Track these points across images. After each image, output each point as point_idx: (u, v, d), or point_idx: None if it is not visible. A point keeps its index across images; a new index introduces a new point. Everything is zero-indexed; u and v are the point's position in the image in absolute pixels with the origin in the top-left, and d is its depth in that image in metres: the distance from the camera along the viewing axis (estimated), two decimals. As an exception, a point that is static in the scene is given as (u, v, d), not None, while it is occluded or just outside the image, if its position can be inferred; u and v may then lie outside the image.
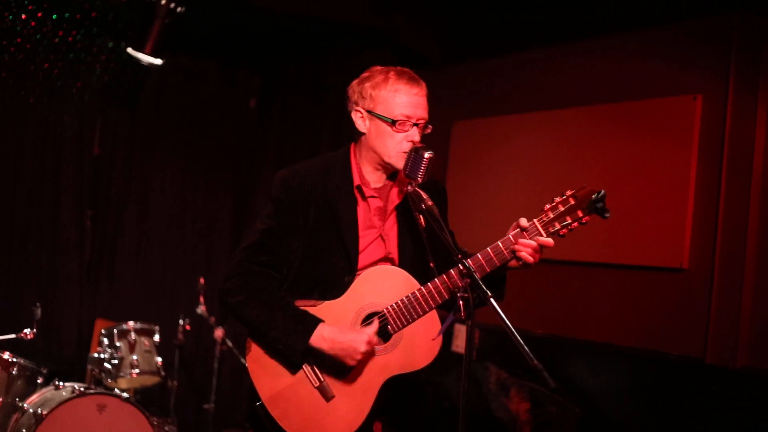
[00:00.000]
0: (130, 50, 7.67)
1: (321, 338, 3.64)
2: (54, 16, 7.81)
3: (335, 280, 3.77)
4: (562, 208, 3.60)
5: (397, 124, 3.70)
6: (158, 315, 8.12)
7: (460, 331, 7.18)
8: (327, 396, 3.72)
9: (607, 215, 3.56)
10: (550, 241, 3.61)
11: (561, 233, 3.62)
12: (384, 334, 3.72)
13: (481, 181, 7.60)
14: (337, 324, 3.70)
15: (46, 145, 8.40)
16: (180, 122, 9.25)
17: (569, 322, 6.95)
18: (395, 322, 3.68)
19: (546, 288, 7.07)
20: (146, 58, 7.65)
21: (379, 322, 3.70)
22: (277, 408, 3.76)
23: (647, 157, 6.49)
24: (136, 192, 9.02)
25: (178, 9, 7.43)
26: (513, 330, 3.17)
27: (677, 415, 6.22)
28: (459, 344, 7.24)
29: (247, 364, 3.85)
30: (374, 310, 3.72)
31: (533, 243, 3.59)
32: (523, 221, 3.63)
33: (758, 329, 5.90)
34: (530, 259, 3.60)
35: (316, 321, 3.68)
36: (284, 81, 9.43)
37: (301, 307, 3.75)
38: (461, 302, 3.34)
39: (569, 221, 3.60)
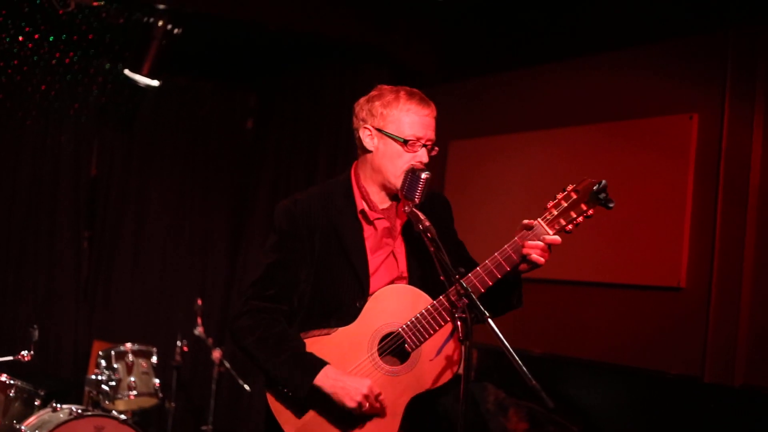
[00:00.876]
0: (127, 72, 7.71)
1: (325, 377, 3.59)
2: (51, 38, 7.81)
3: (348, 306, 3.73)
4: (565, 204, 3.59)
5: (408, 143, 3.67)
6: (155, 336, 8.12)
7: (458, 352, 7.16)
8: (352, 427, 3.68)
9: (611, 205, 3.52)
10: (557, 238, 3.58)
11: (567, 229, 3.59)
12: (402, 354, 3.68)
13: (479, 200, 7.60)
14: (354, 349, 3.67)
15: (43, 166, 8.43)
16: (176, 142, 9.29)
17: (567, 341, 6.94)
18: (412, 340, 3.64)
19: (544, 307, 7.04)
20: (143, 80, 7.70)
21: (395, 343, 3.66)
22: None
23: (644, 175, 6.50)
24: (133, 212, 9.03)
25: (175, 30, 7.45)
26: (510, 350, 3.13)
27: None
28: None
29: (268, 401, 3.79)
30: (389, 330, 3.67)
31: (540, 243, 3.58)
32: (528, 221, 3.62)
33: (756, 347, 5.90)
34: (540, 260, 3.58)
35: (321, 363, 3.64)
36: (281, 98, 9.45)
37: (315, 337, 3.73)
38: (459, 323, 3.28)
39: (574, 216, 3.57)
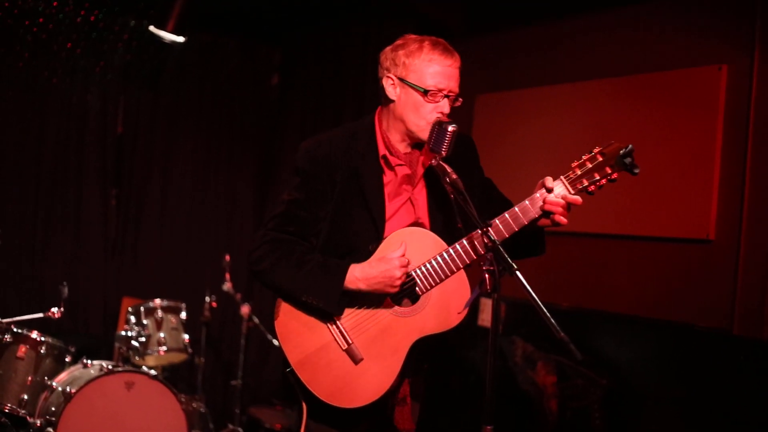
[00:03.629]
0: (152, 28, 7.68)
1: (355, 279, 3.66)
2: (76, -5, 7.83)
3: (362, 248, 3.78)
4: (589, 165, 3.60)
5: (428, 94, 3.69)
6: (184, 292, 8.14)
7: (486, 305, 7.17)
8: (355, 359, 3.73)
9: (637, 171, 3.53)
10: (578, 198, 3.60)
11: (590, 190, 3.61)
12: (412, 296, 3.73)
13: (506, 154, 7.53)
14: None
15: (70, 125, 8.42)
16: (202, 100, 9.27)
17: (594, 294, 6.92)
18: (423, 284, 3.70)
19: (571, 261, 7.04)
20: (168, 36, 7.67)
21: (407, 284, 3.71)
22: (306, 372, 3.78)
23: (672, 128, 6.44)
24: (159, 170, 9.04)
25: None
26: (539, 302, 3.14)
27: (704, 386, 6.18)
28: (485, 318, 7.23)
29: (276, 329, 3.86)
30: None
31: (561, 201, 3.59)
32: (549, 180, 3.64)
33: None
34: (560, 218, 3.61)
35: (345, 266, 3.69)
36: (305, 54, 9.40)
37: None
38: (487, 275, 3.31)
39: (597, 177, 3.59)
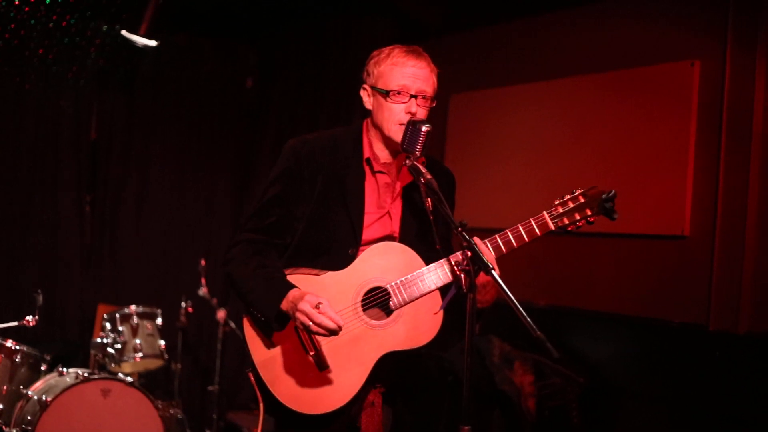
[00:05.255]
0: (124, 33, 7.63)
1: (287, 301, 3.59)
2: (47, 1, 7.78)
3: (339, 251, 3.77)
4: (571, 205, 3.71)
5: (390, 94, 3.70)
6: (161, 298, 8.12)
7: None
8: (321, 366, 3.70)
9: (615, 216, 3.67)
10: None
11: (569, 228, 3.72)
12: (385, 310, 3.72)
13: (481, 154, 7.56)
14: (339, 296, 3.70)
15: (43, 131, 8.36)
16: (178, 103, 9.21)
17: (571, 292, 6.93)
18: (397, 298, 3.68)
19: (547, 259, 7.03)
20: (141, 40, 7.62)
21: (381, 297, 3.70)
22: (268, 372, 3.75)
23: (646, 124, 6.46)
24: (135, 175, 8.98)
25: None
26: (515, 301, 3.15)
27: (681, 382, 6.22)
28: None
29: (243, 326, 3.85)
30: (377, 284, 3.71)
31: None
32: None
33: (761, 294, 5.87)
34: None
35: (289, 287, 3.63)
36: (283, 54, 9.36)
37: (304, 275, 3.76)
38: (463, 275, 3.33)
39: (577, 218, 3.71)
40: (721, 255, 6.04)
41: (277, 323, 3.67)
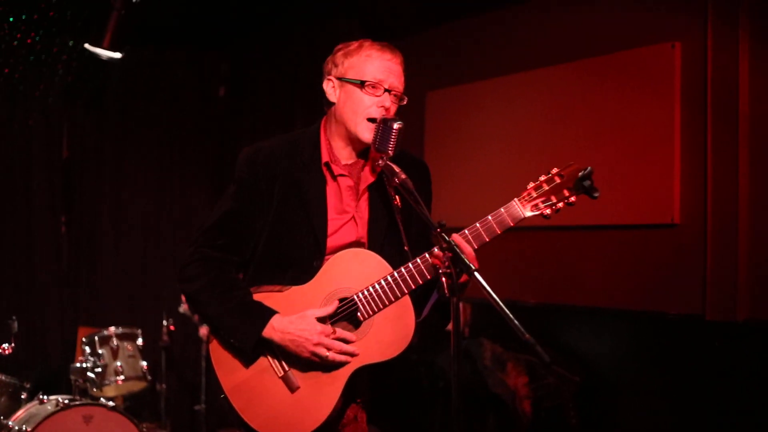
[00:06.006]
0: (87, 46, 7.54)
1: (271, 329, 3.49)
2: (11, 19, 7.68)
3: (303, 263, 3.61)
4: (546, 187, 3.44)
5: (366, 84, 3.54)
6: (143, 317, 8.09)
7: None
8: (292, 387, 3.55)
9: (596, 195, 3.38)
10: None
11: (545, 213, 3.45)
12: (354, 322, 3.56)
13: (461, 150, 7.48)
14: (305, 309, 3.53)
15: (14, 151, 8.33)
16: (150, 116, 9.14)
17: (562, 288, 6.83)
18: (366, 309, 3.51)
19: (535, 255, 6.93)
20: (105, 53, 7.52)
21: (348, 309, 3.54)
22: (240, 399, 3.61)
23: (628, 110, 6.37)
24: (110, 192, 8.92)
25: (134, -1, 7.29)
26: (501, 304, 2.97)
27: (680, 375, 6.13)
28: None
29: (209, 353, 3.70)
30: (344, 295, 3.55)
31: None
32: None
33: (759, 279, 5.77)
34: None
35: (270, 313, 3.52)
36: (254, 61, 9.32)
37: (267, 293, 3.62)
38: (444, 278, 3.14)
39: (554, 200, 3.43)
40: (714, 241, 5.92)
41: (254, 352, 3.55)
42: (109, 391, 6.61)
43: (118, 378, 6.56)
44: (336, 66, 3.67)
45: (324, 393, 3.53)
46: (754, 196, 5.80)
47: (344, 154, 3.70)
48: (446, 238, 3.17)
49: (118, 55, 7.56)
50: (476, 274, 3.06)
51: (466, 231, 3.44)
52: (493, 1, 7.33)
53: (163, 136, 9.19)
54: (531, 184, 3.46)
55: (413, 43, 7.83)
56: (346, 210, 3.66)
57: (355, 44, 3.66)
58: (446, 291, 3.14)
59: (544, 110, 6.91)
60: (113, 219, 8.88)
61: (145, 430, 6.14)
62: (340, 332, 3.52)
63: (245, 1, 8.20)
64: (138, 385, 6.78)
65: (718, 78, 5.93)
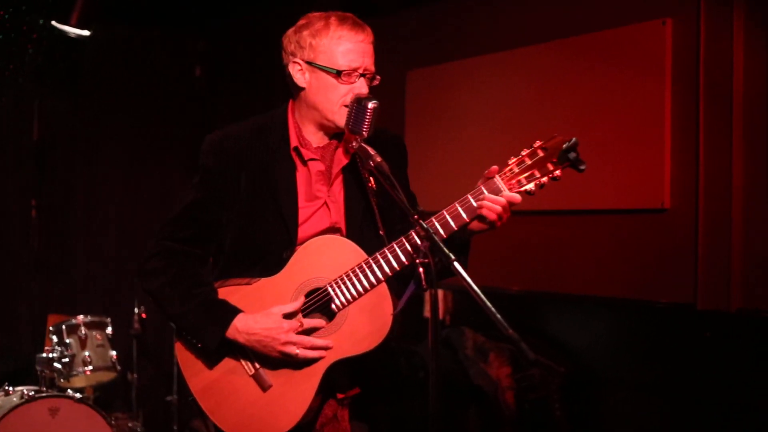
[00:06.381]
0: (54, 23, 7.40)
1: (235, 330, 3.36)
2: (-22, -2, 7.50)
3: (273, 255, 3.46)
4: (529, 161, 3.28)
5: (342, 75, 3.38)
6: (115, 304, 7.98)
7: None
8: (263, 386, 3.42)
9: (583, 167, 3.25)
10: (516, 197, 3.27)
11: (530, 190, 3.30)
12: (328, 313, 3.40)
13: (443, 131, 7.33)
14: (276, 304, 3.39)
15: (-18, 134, 8.13)
16: (124, 97, 8.94)
17: (547, 275, 6.70)
18: (339, 300, 3.36)
19: (519, 241, 6.78)
20: (73, 30, 7.38)
21: (320, 300, 3.39)
22: (209, 401, 3.49)
23: (617, 91, 6.21)
24: (83, 176, 8.75)
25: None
26: (482, 296, 2.84)
27: (670, 366, 6.04)
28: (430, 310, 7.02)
29: (176, 353, 3.58)
30: (316, 286, 3.41)
31: (502, 200, 3.25)
32: (493, 170, 3.30)
33: (752, 268, 5.63)
34: (494, 216, 3.26)
35: (233, 312, 3.38)
36: (232, 41, 9.21)
37: (234, 286, 3.49)
38: (421, 269, 2.99)
39: (538, 175, 3.27)
40: (706, 227, 5.79)
41: (218, 353, 3.42)
42: (78, 381, 6.48)
43: (86, 368, 6.44)
44: (303, 48, 3.49)
45: (298, 391, 3.39)
46: (748, 180, 5.65)
47: (315, 139, 3.55)
48: (424, 225, 3.04)
49: (86, 32, 7.42)
50: (455, 263, 2.93)
51: (433, 218, 3.29)
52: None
53: (137, 117, 9.02)
54: (513, 159, 3.30)
55: (393, 21, 7.69)
56: (317, 196, 3.51)
57: (320, 22, 3.47)
58: (424, 283, 3.00)
59: (529, 91, 6.76)
60: (85, 203, 8.73)
61: (114, 421, 6.00)
62: (310, 324, 3.36)
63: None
64: (107, 376, 6.66)
65: (711, 56, 5.77)
